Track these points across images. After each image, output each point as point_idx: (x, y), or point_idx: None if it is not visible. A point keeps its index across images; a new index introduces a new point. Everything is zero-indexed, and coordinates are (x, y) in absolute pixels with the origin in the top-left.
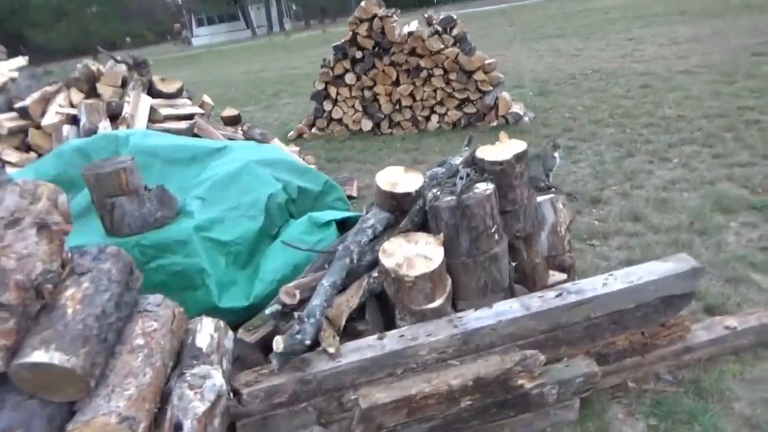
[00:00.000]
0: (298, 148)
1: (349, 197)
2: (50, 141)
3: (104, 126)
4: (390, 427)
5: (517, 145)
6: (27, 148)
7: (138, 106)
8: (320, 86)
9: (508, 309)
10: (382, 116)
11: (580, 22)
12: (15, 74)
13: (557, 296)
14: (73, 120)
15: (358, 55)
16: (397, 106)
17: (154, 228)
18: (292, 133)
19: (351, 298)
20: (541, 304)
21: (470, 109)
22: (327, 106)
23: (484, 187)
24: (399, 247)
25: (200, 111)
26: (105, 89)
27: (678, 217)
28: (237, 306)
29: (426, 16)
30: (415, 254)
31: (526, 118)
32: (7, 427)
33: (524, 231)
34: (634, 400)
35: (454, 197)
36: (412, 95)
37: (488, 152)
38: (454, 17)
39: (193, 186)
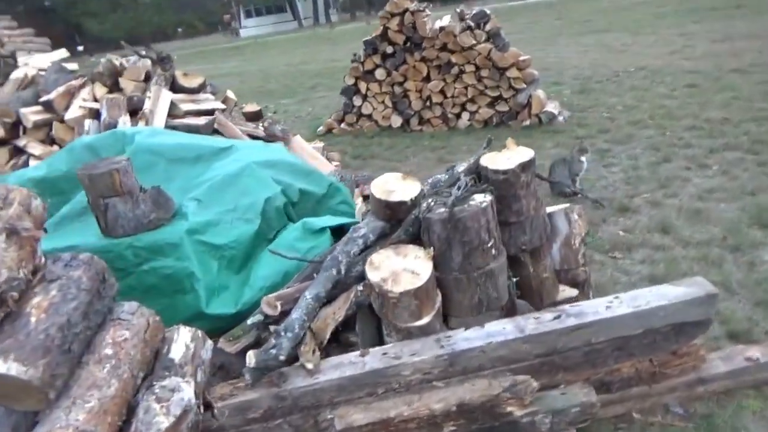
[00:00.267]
0: (322, 144)
1: (366, 197)
2: (73, 135)
3: (124, 121)
4: None
5: (523, 153)
6: (51, 141)
7: (158, 101)
8: (350, 81)
9: (501, 330)
10: (412, 113)
11: (631, 16)
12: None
13: (555, 318)
14: (96, 114)
15: (389, 50)
16: (428, 103)
17: (147, 230)
18: (321, 128)
19: (338, 311)
20: (536, 326)
21: (502, 107)
22: (357, 101)
23: (481, 199)
24: (387, 260)
25: (221, 106)
26: (127, 84)
27: (711, 231)
28: (225, 312)
29: (458, 10)
30: (402, 268)
31: (560, 118)
32: None
33: (530, 244)
34: None
35: (446, 209)
36: (442, 92)
37: (493, 160)
38: (488, 12)
39: (196, 186)
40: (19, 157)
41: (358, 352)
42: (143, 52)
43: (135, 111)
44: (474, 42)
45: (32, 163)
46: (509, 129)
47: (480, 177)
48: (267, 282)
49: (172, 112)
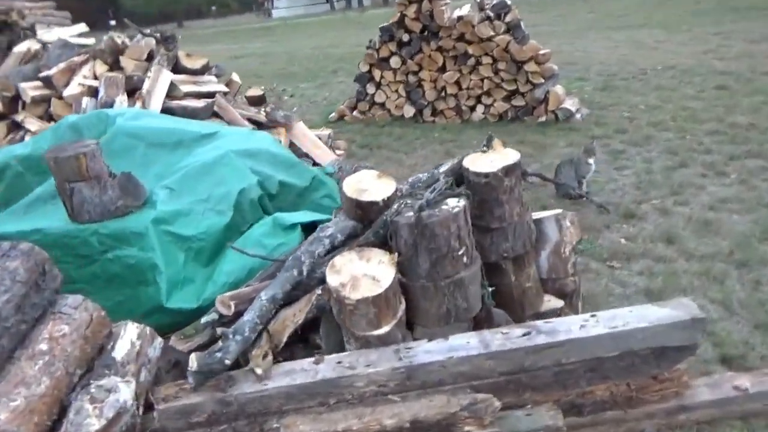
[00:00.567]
0: (329, 131)
1: None
2: (71, 112)
3: (121, 101)
4: None
5: (508, 156)
6: (49, 117)
7: (157, 81)
8: (364, 68)
9: (464, 344)
10: (425, 103)
11: (668, 11)
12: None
13: (524, 335)
14: (95, 92)
15: (405, 38)
16: (442, 94)
17: (114, 217)
18: (333, 114)
19: (298, 313)
20: (503, 342)
21: (518, 102)
22: (370, 89)
23: (454, 204)
24: (349, 263)
25: (224, 89)
26: (128, 62)
27: (718, 244)
28: (186, 307)
29: (477, 0)
30: (362, 274)
31: (578, 115)
32: None
33: (513, 251)
34: None
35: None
36: (457, 83)
37: (475, 162)
38: (509, 2)
39: (174, 173)
40: (17, 132)
41: (312, 359)
42: (147, 31)
43: (134, 90)
44: (492, 33)
45: (28, 139)
46: (524, 124)
47: (461, 179)
48: (230, 278)
49: (172, 93)
